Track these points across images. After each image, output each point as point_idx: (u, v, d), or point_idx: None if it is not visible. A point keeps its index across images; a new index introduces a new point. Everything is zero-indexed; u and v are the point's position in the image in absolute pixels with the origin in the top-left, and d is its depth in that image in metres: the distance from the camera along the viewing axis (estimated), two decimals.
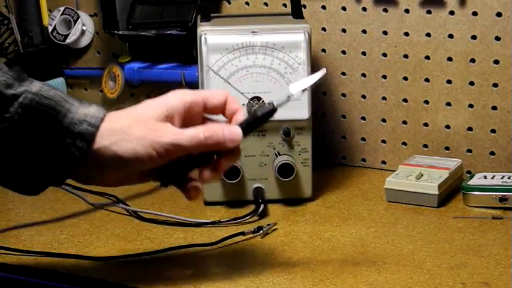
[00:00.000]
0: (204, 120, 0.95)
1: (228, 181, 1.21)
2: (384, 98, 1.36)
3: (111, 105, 1.46)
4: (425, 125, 1.34)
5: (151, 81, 1.46)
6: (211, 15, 1.27)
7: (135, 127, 0.89)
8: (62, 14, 1.52)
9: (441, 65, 1.31)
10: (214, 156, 0.93)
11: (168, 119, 0.90)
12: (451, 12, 1.28)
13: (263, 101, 1.19)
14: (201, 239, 1.11)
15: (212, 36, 1.19)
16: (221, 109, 0.95)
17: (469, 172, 1.31)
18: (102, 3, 1.46)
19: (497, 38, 1.26)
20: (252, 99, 1.19)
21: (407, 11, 1.31)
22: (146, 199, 1.25)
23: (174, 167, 0.92)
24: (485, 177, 1.24)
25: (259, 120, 0.93)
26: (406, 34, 1.32)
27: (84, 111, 0.88)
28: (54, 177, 0.89)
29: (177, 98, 0.92)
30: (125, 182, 0.94)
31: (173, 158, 0.90)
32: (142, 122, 0.89)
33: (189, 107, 0.93)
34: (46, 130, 0.87)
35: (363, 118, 1.38)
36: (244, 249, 1.09)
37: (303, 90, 0.95)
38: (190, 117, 0.93)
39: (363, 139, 1.39)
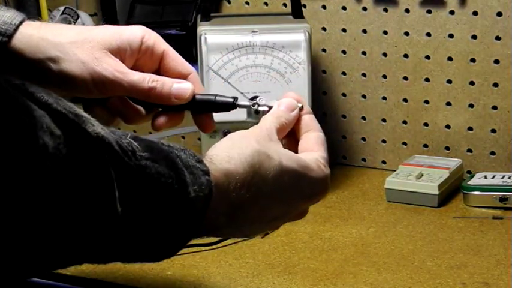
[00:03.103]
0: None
1: None
2: (384, 98, 1.36)
3: None
4: (426, 124, 1.34)
5: None
6: (211, 15, 1.26)
7: (80, 48, 0.78)
8: (62, 13, 1.52)
9: (441, 64, 1.30)
10: (157, 109, 0.83)
11: (119, 53, 0.80)
12: (451, 12, 1.28)
13: (261, 99, 1.18)
14: (201, 239, 1.11)
15: (212, 36, 1.19)
16: (178, 77, 0.85)
17: (469, 172, 1.31)
18: (102, 3, 1.46)
19: (498, 38, 1.26)
20: (252, 98, 1.18)
21: (407, 10, 1.31)
22: None
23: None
24: (485, 177, 1.23)
25: (213, 105, 0.85)
26: (406, 34, 1.32)
27: None
28: None
29: (138, 36, 0.81)
30: None
31: (110, 95, 0.80)
32: (88, 46, 0.78)
33: (146, 51, 0.82)
34: None
35: (363, 118, 1.38)
36: (244, 249, 1.08)
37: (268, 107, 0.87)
38: (143, 63, 0.83)
39: (363, 139, 1.39)
